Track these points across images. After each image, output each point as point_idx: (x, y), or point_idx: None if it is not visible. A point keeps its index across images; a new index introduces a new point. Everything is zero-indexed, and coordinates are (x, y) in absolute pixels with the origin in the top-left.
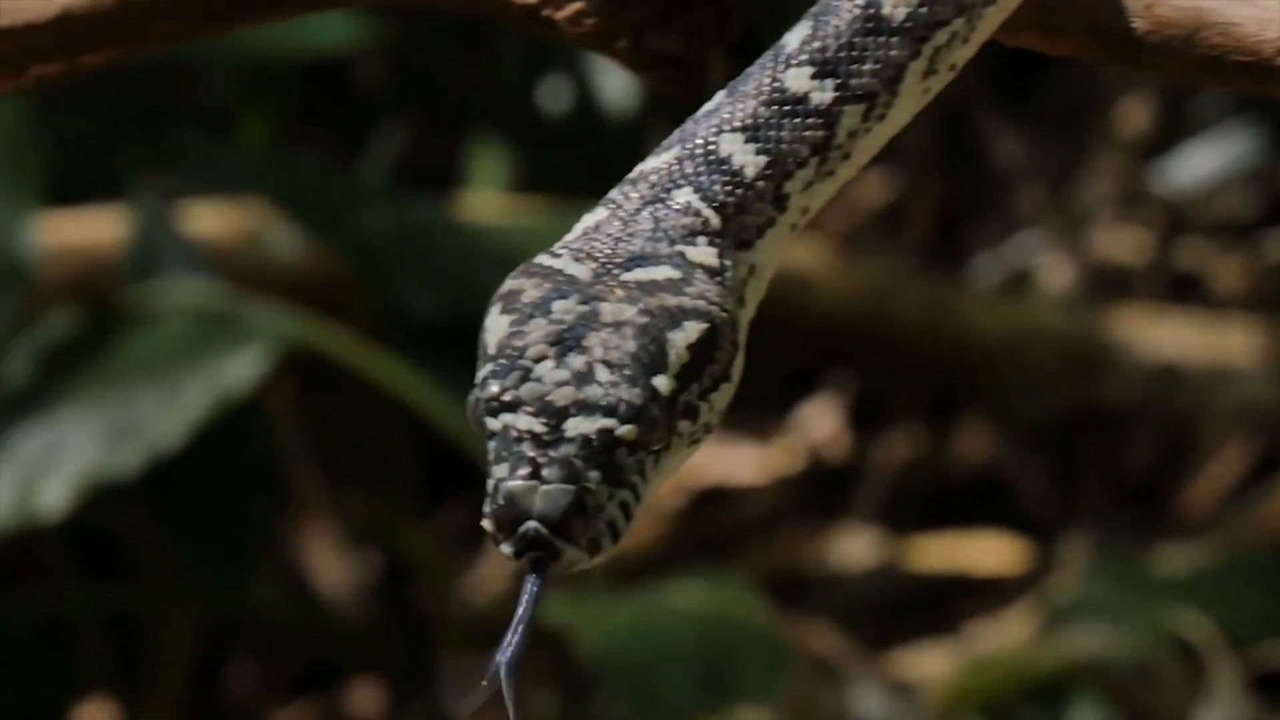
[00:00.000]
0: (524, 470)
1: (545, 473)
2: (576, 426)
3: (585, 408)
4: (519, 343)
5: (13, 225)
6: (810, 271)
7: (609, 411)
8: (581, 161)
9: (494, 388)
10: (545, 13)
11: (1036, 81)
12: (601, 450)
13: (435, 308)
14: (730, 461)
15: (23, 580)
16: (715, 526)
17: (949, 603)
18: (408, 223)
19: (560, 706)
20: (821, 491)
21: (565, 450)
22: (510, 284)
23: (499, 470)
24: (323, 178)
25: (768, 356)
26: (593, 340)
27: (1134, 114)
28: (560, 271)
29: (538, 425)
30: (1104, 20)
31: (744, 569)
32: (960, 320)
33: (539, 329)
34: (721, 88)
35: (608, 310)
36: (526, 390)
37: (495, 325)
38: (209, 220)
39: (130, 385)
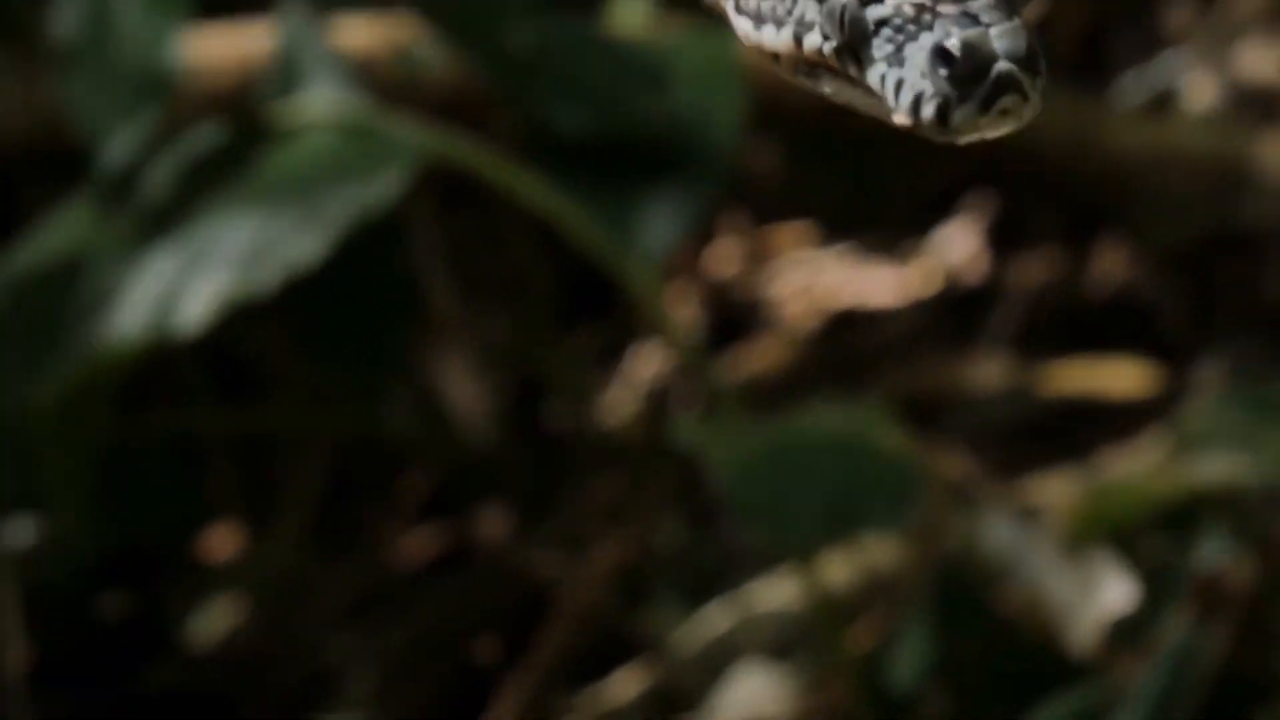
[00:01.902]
0: (971, 24)
1: (987, 18)
2: None
3: None
4: None
5: (160, 37)
6: None
7: None
8: None
9: None
10: None
11: None
12: None
13: (581, 124)
14: (866, 283)
15: (156, 400)
16: (850, 349)
17: (1082, 428)
18: (555, 37)
19: (687, 533)
20: (958, 314)
21: (982, 3)
22: None
23: (930, 37)
24: None
25: (906, 176)
26: None
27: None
28: None
29: None
30: None
31: (878, 393)
32: (1102, 140)
33: None
34: None
35: None
36: None
37: None
38: (356, 34)
39: (270, 201)
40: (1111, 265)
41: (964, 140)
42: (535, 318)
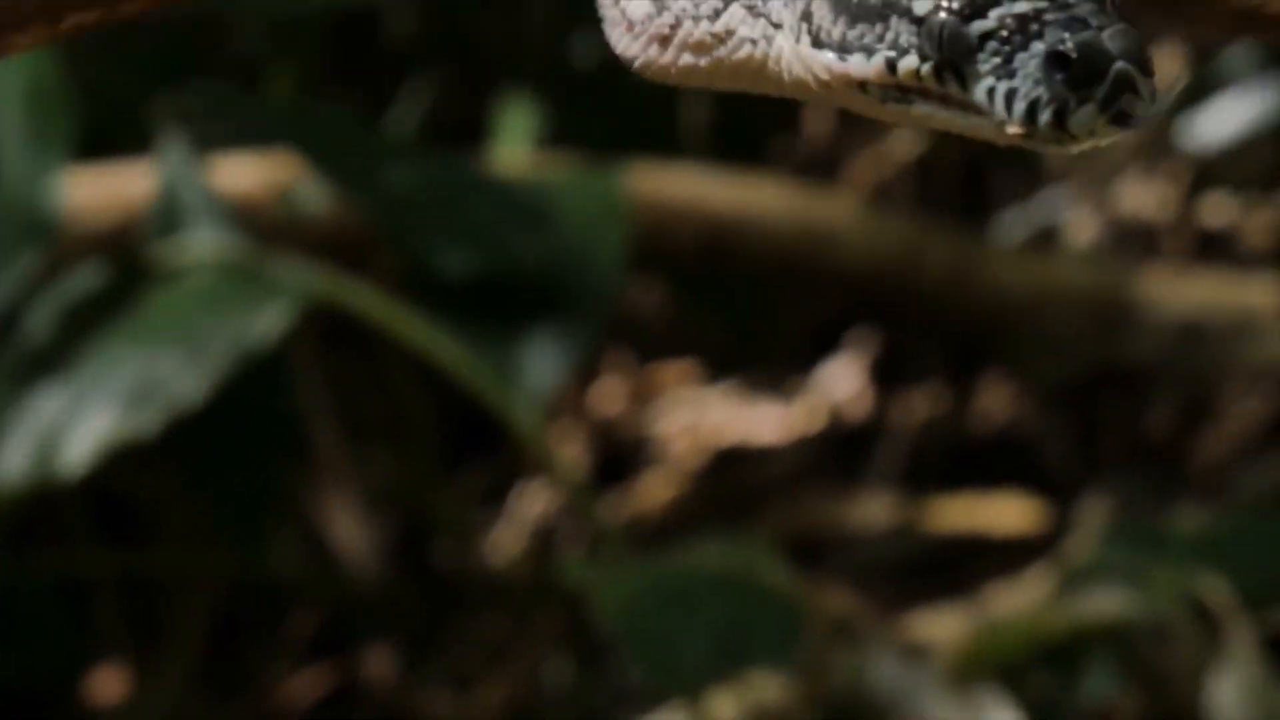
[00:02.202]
0: (1082, 29)
1: (1096, 21)
2: None
3: None
4: None
5: (41, 178)
6: (835, 226)
7: None
8: (612, 115)
9: None
10: None
11: None
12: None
13: (463, 264)
14: (751, 420)
15: (41, 541)
16: (735, 486)
17: (968, 565)
18: (436, 177)
19: (575, 671)
20: (842, 451)
21: (1088, 6)
22: None
23: (1042, 44)
24: (351, 131)
25: (791, 312)
26: None
27: (1162, 68)
28: None
29: (1039, 3)
30: None
31: (763, 530)
32: (985, 277)
33: None
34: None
35: None
36: None
37: None
38: (237, 174)
39: (153, 342)
40: (995, 401)
41: (1080, 147)
42: (420, 457)
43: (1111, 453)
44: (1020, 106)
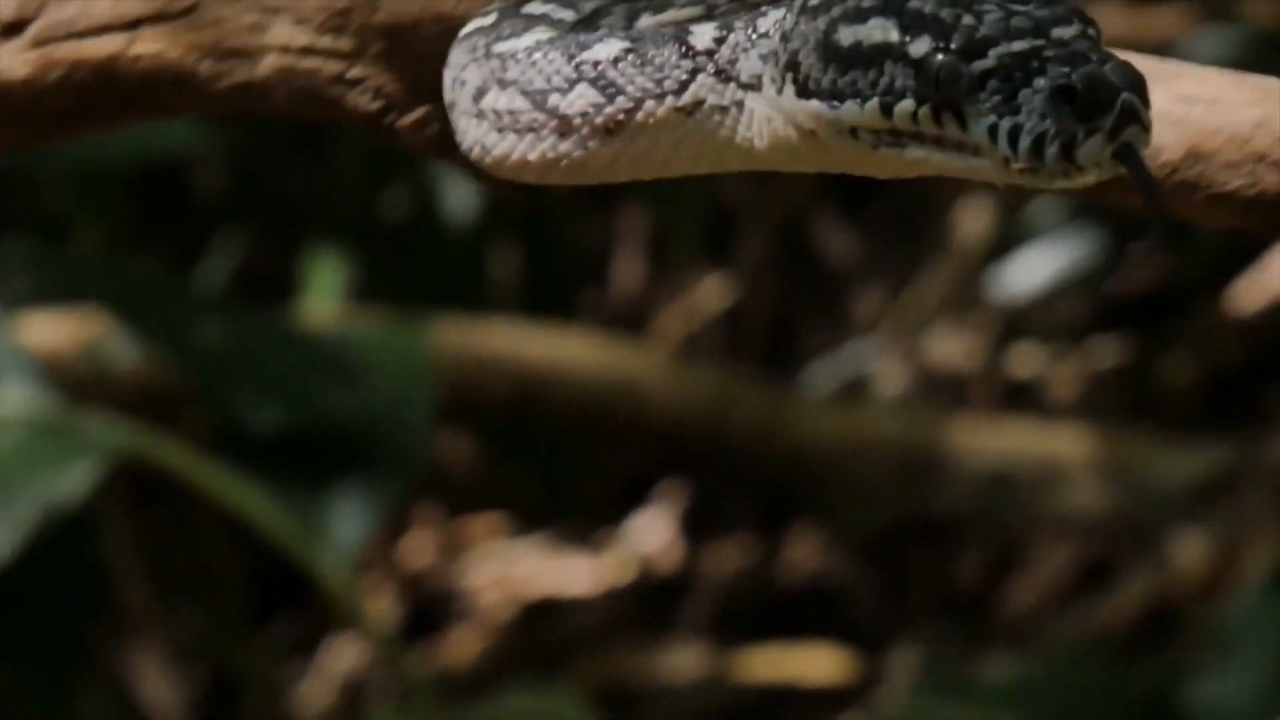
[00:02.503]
0: (1085, 63)
1: (1096, 56)
2: (1058, 33)
3: (1040, 25)
4: (935, 10)
5: None
6: (644, 379)
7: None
8: (422, 270)
9: (981, 32)
10: (387, 120)
11: (873, 186)
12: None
13: (272, 418)
14: (561, 573)
15: None
16: (546, 638)
17: (777, 714)
18: (245, 332)
19: None
20: (652, 602)
21: (1085, 43)
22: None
23: (1046, 79)
24: (160, 287)
25: (601, 465)
26: None
27: (969, 220)
28: None
29: (1036, 41)
30: None
31: (573, 681)
32: (794, 428)
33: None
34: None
35: None
36: (995, 26)
37: (882, 25)
38: (45, 330)
39: None
40: (804, 552)
41: (1085, 180)
42: (229, 611)
43: (921, 603)
44: (1026, 142)
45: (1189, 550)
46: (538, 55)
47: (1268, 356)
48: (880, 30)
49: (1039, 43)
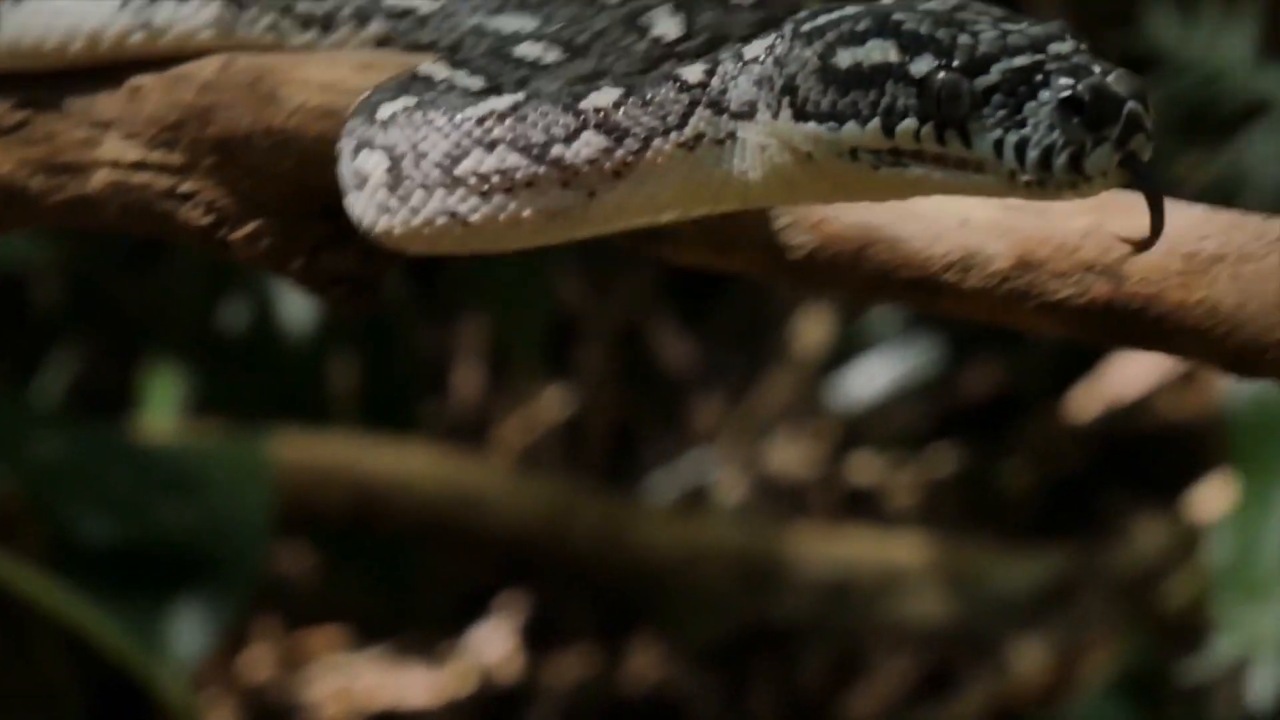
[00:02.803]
0: (1089, 74)
1: (1099, 67)
2: (1055, 48)
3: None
4: (931, 30)
5: None
6: (484, 490)
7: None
8: (260, 382)
9: (981, 49)
10: (220, 234)
11: (713, 296)
12: None
13: (109, 533)
14: (402, 685)
15: None
16: None
17: None
18: (82, 446)
19: None
20: (494, 714)
21: (1084, 56)
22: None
23: (1050, 90)
24: None
25: (441, 577)
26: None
27: (809, 328)
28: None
29: (1036, 56)
30: (773, 237)
31: None
32: (635, 537)
33: (931, 16)
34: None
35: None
36: (993, 44)
37: (881, 46)
38: None
39: None
40: (646, 661)
41: (1092, 190)
42: None
43: (763, 711)
44: (1035, 154)
45: (1028, 656)
46: (529, 110)
47: (1105, 463)
48: (879, 51)
49: (1039, 57)
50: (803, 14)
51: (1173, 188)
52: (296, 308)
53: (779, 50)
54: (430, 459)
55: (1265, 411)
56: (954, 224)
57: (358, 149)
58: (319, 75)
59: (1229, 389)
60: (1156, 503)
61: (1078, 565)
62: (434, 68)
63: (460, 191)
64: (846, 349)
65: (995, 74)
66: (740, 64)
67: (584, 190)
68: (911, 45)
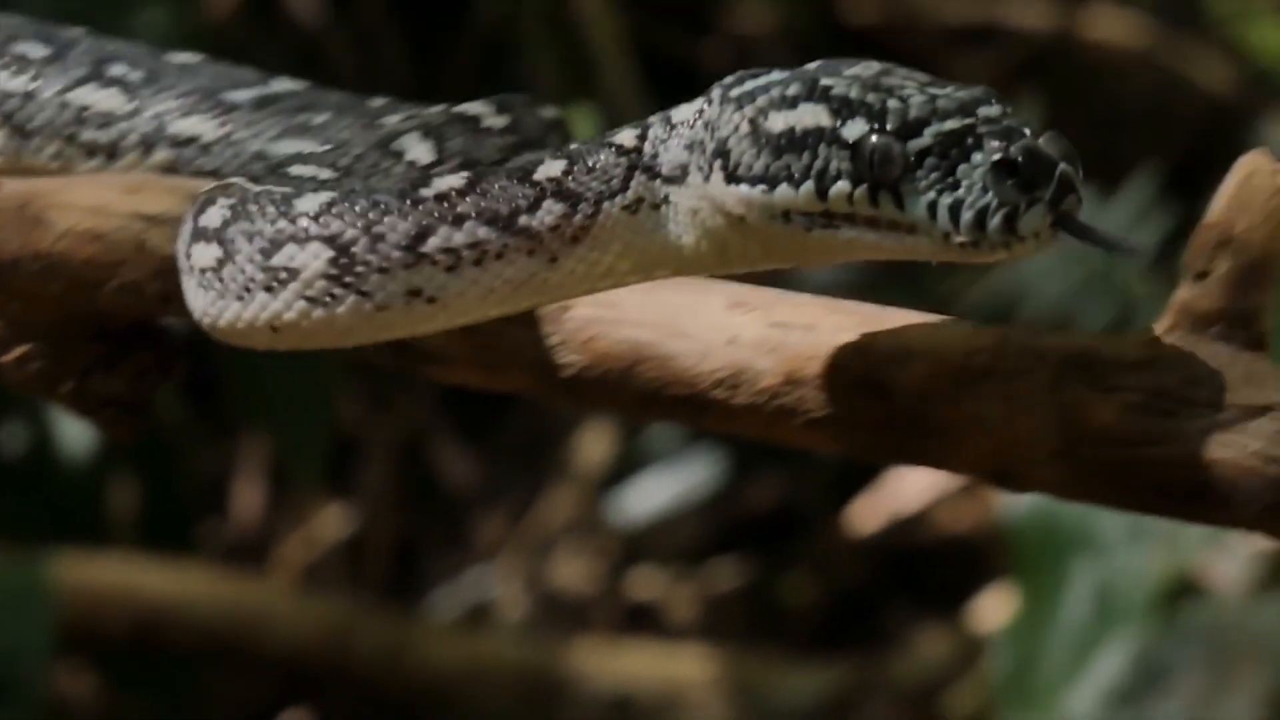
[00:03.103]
0: (1020, 137)
1: (1028, 130)
2: (984, 112)
3: (965, 105)
4: (860, 94)
5: None
6: (265, 609)
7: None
8: (39, 505)
9: (912, 113)
10: None
11: (493, 412)
12: None
13: None
14: None
15: None
16: None
17: None
18: None
19: None
20: None
21: (1013, 120)
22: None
23: (983, 153)
24: None
25: (223, 697)
26: (897, 77)
27: (590, 445)
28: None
29: (966, 119)
30: (542, 356)
31: None
32: (417, 655)
33: (859, 81)
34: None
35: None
36: (922, 108)
37: (812, 110)
38: None
39: None
40: None
41: (1024, 251)
42: None
43: None
44: (969, 215)
45: None
46: (488, 183)
47: (887, 575)
48: (811, 115)
49: (970, 120)
50: (730, 79)
51: (947, 303)
52: (74, 429)
53: (709, 114)
54: (211, 579)
55: (1042, 523)
56: (722, 341)
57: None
58: (87, 198)
59: (1007, 501)
60: (939, 614)
61: (861, 677)
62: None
63: (428, 269)
64: (627, 465)
65: (928, 137)
66: (669, 128)
67: (548, 256)
68: (843, 109)
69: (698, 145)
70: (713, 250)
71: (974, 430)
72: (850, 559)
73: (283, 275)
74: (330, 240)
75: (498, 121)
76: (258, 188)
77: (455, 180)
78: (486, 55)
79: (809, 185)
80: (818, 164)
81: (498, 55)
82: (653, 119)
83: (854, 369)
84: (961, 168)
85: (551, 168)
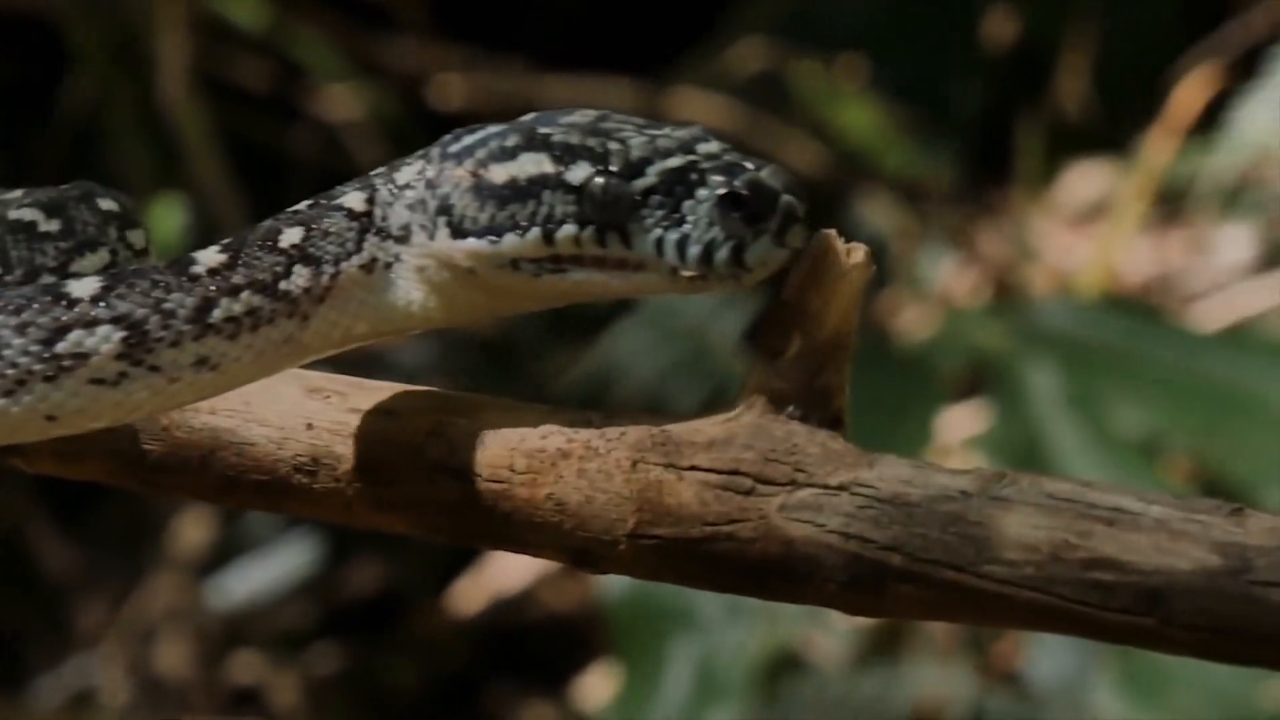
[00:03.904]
0: (743, 171)
1: (751, 164)
2: (704, 149)
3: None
4: (581, 140)
5: None
6: None
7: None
8: None
9: (634, 153)
10: None
11: (92, 499)
12: None
13: None
14: None
15: None
16: None
17: None
18: None
19: None
20: None
21: (734, 154)
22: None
23: (707, 188)
24: None
25: None
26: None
27: (189, 530)
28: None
29: (688, 156)
30: (121, 444)
31: None
32: None
33: (577, 127)
34: None
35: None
36: (644, 148)
37: (534, 159)
38: None
39: None
40: None
41: (754, 280)
42: None
43: None
44: (695, 250)
45: None
46: (246, 255)
47: (489, 656)
48: (533, 164)
49: (692, 157)
50: (447, 137)
51: (540, 385)
52: None
53: (429, 173)
54: None
55: (640, 601)
56: (301, 427)
57: None
58: None
59: (606, 580)
60: (544, 693)
61: None
62: None
63: (213, 338)
64: (227, 550)
65: (652, 175)
66: (394, 189)
67: (302, 317)
68: (565, 155)
69: (420, 204)
70: (443, 305)
71: (552, 512)
72: (453, 640)
73: (67, 362)
74: (119, 320)
75: (51, 227)
76: None
77: (218, 256)
78: (75, 142)
79: (535, 231)
80: (543, 210)
81: (86, 142)
82: (376, 179)
83: (432, 453)
84: (686, 204)
85: (291, 235)
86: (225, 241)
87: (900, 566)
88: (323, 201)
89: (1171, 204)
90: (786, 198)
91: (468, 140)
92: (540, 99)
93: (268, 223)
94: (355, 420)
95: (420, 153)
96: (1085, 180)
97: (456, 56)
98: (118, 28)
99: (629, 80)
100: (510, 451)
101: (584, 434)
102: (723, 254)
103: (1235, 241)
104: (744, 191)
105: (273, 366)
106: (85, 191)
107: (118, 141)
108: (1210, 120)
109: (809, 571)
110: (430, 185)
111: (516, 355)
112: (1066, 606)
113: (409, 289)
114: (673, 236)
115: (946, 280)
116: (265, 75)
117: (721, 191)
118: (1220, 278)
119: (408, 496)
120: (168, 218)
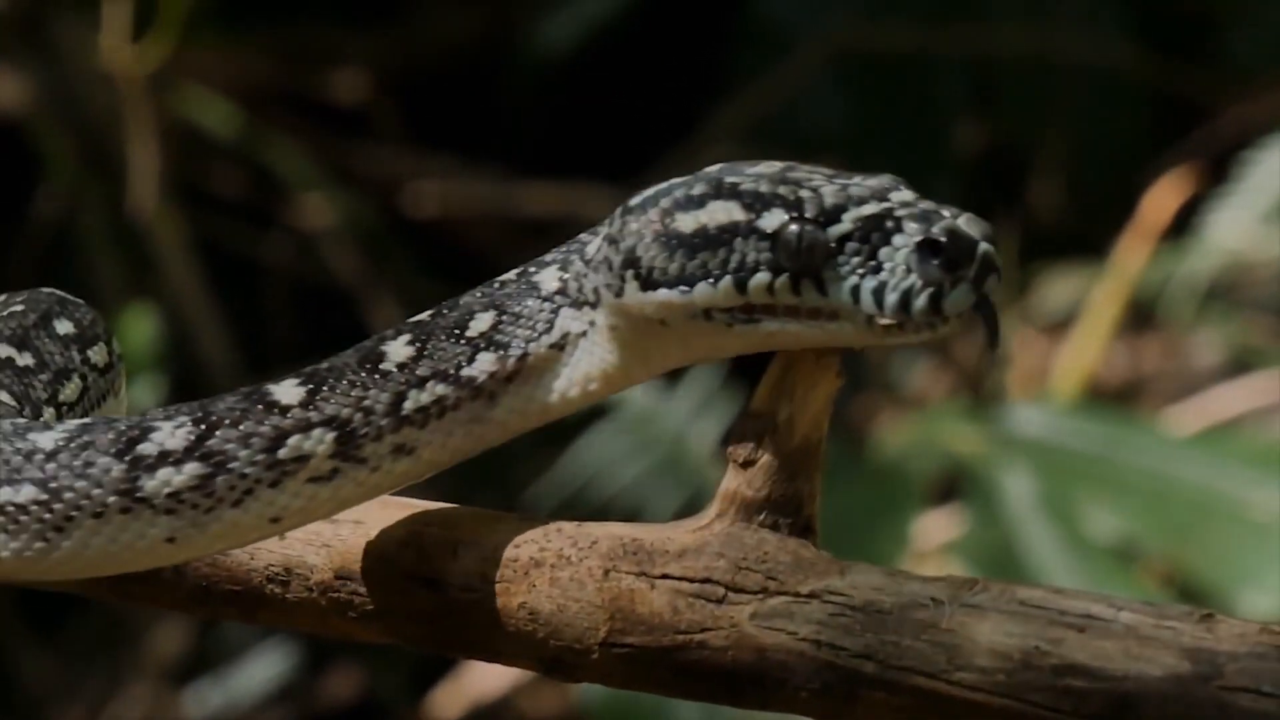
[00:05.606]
0: (940, 218)
1: (948, 211)
2: (898, 196)
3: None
4: (771, 188)
5: None
6: None
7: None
8: None
9: (829, 200)
10: None
11: (69, 609)
12: None
13: None
14: None
15: None
16: None
17: None
18: None
19: None
20: None
21: (929, 202)
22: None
23: (904, 235)
24: None
25: None
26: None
27: (166, 639)
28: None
29: (884, 204)
30: None
31: None
32: None
33: (765, 176)
34: None
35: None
36: (837, 195)
37: (724, 207)
38: None
39: None
40: None
41: (948, 331)
42: None
43: None
44: (893, 297)
45: None
46: (436, 345)
47: None
48: (724, 212)
49: (887, 205)
50: (629, 201)
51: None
52: None
53: (610, 232)
54: None
55: (619, 707)
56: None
57: None
58: None
59: (586, 686)
60: None
61: None
62: None
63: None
64: (204, 658)
65: (847, 222)
66: (585, 260)
67: (488, 400)
68: (756, 202)
69: (604, 264)
70: (637, 360)
71: (525, 621)
72: None
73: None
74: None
75: (27, 360)
76: None
77: (406, 350)
78: (48, 249)
79: (728, 280)
80: (734, 258)
81: (59, 249)
82: (572, 252)
83: (404, 562)
84: (883, 251)
85: (480, 322)
86: (415, 323)
87: (872, 674)
88: (515, 281)
89: (1145, 308)
90: (985, 246)
91: (649, 192)
92: (517, 206)
93: (464, 301)
94: (328, 530)
95: (605, 220)
96: (1059, 285)
97: (431, 164)
98: (89, 135)
99: (605, 187)
100: (483, 561)
101: (556, 542)
102: (921, 301)
103: (1209, 346)
104: (942, 239)
105: (467, 447)
106: (43, 314)
107: (89, 249)
108: (1183, 225)
109: (781, 679)
110: (612, 241)
111: (491, 460)
112: (1038, 713)
113: (603, 353)
114: (869, 284)
115: (921, 384)
116: (239, 183)
117: (919, 238)
118: (1194, 382)
119: (381, 606)
120: (138, 327)
